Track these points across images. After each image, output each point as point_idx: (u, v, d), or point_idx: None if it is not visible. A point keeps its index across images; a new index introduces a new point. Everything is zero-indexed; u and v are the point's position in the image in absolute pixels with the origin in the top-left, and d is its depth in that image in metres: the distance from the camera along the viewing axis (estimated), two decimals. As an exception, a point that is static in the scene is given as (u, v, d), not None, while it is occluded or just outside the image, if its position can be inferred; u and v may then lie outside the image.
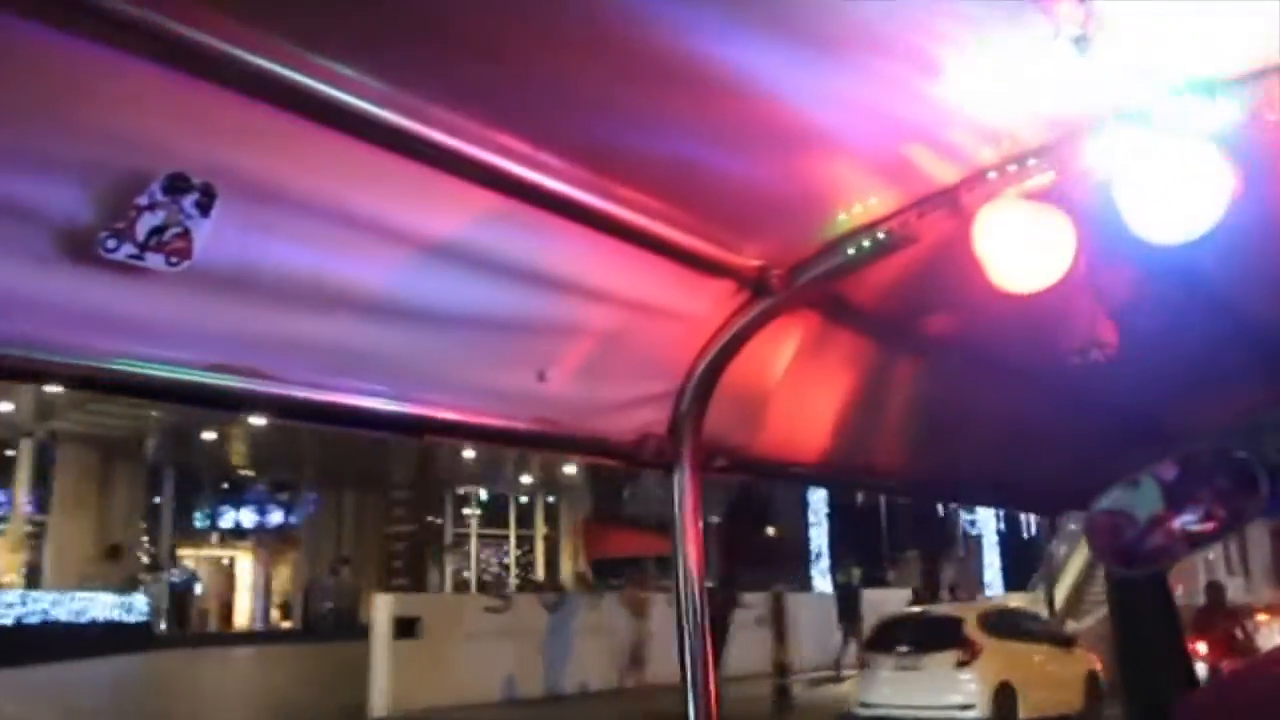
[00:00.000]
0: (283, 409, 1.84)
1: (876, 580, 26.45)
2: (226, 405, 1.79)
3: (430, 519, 28.56)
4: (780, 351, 2.58)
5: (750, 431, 2.69)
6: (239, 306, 1.65)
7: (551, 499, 30.36)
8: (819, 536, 31.62)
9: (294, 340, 1.75)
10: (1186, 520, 5.90)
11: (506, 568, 29.62)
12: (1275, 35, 1.74)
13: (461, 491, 29.76)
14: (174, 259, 1.48)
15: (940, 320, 2.70)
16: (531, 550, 31.04)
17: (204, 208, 1.49)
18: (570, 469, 25.70)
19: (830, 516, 31.80)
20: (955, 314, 2.66)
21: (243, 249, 1.58)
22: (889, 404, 2.96)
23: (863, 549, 28.37)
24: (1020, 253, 2.04)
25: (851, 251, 2.20)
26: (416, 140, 1.56)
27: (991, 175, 2.04)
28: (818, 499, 31.30)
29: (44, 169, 1.39)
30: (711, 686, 2.44)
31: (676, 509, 2.51)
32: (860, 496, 27.27)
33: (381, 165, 1.60)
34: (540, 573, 29.70)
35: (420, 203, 1.73)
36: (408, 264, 1.80)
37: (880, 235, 2.17)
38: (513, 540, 27.70)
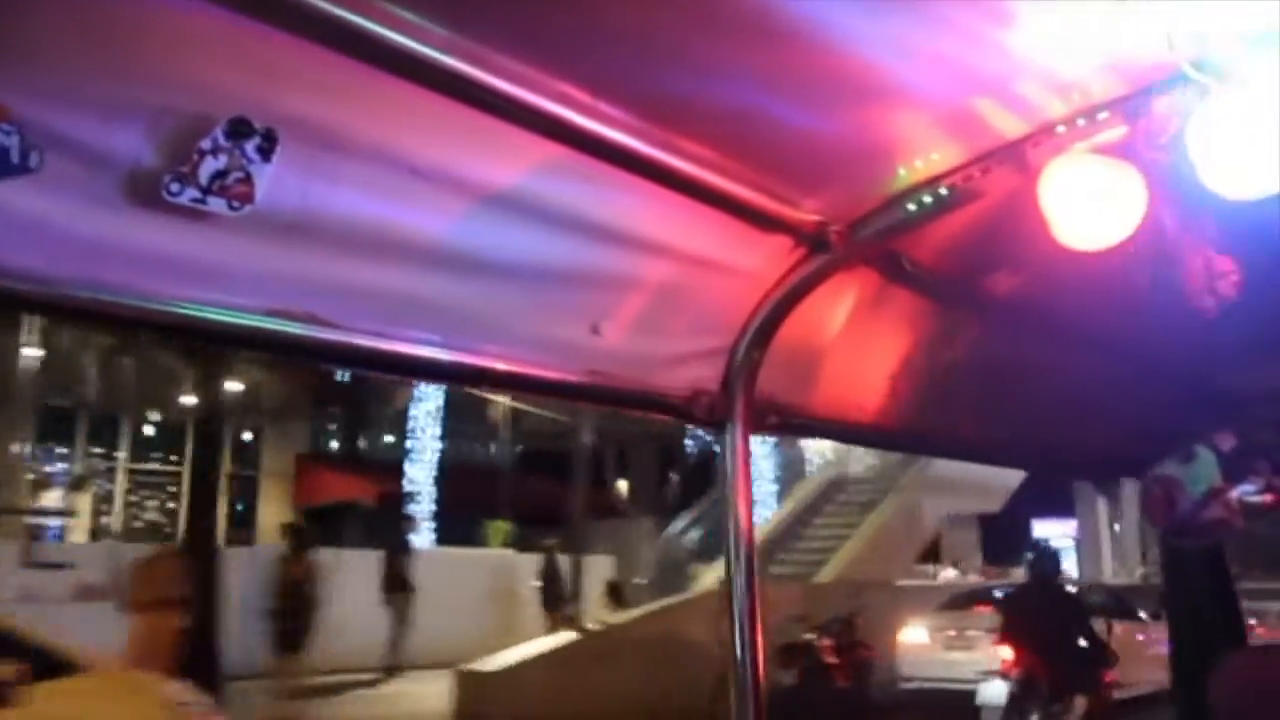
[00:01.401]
0: (340, 356, 1.85)
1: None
2: (283, 351, 1.81)
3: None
4: (837, 309, 2.55)
5: (804, 390, 2.67)
6: (299, 253, 1.66)
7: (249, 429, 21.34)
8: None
9: (352, 288, 1.76)
10: (1245, 491, 5.81)
11: (171, 513, 20.31)
12: None
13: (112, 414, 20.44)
14: (236, 203, 1.50)
15: (1002, 279, 2.65)
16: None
17: (266, 153, 1.49)
18: (271, 387, 17.28)
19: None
20: (1017, 273, 2.61)
21: (304, 195, 1.59)
22: (946, 365, 2.92)
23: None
24: (1088, 209, 1.99)
25: (912, 207, 2.16)
26: (477, 87, 1.55)
27: (1060, 129, 1.99)
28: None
29: (107, 113, 1.40)
30: (760, 648, 2.44)
31: (729, 467, 2.51)
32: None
33: (442, 113, 1.59)
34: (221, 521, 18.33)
35: (480, 151, 1.72)
36: (466, 213, 1.80)
37: (942, 191, 2.13)
38: (187, 479, 16.51)
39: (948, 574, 21.33)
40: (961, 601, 13.64)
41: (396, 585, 14.13)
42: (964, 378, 2.98)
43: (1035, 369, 3.09)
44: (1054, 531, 29.39)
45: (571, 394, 2.33)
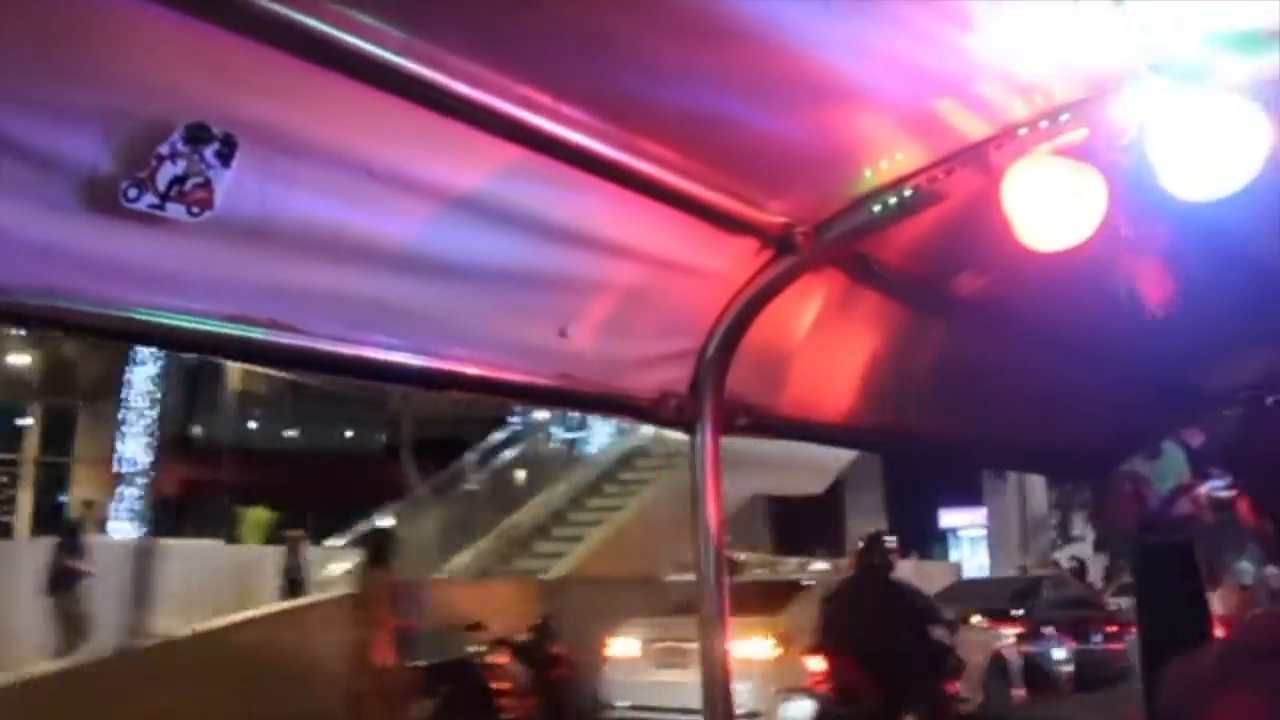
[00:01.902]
0: (302, 361, 1.84)
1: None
2: (245, 357, 1.79)
3: None
4: (804, 310, 2.56)
5: (773, 390, 2.67)
6: (260, 258, 1.64)
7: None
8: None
9: (314, 292, 1.74)
10: (1214, 487, 5.86)
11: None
12: None
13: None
14: (195, 209, 1.48)
15: (968, 280, 2.67)
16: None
17: (225, 158, 1.48)
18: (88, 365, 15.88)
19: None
20: (984, 273, 2.62)
21: (263, 200, 1.57)
22: (913, 364, 2.93)
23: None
24: (1050, 210, 2.01)
25: (877, 209, 2.17)
26: (438, 91, 1.54)
27: (1022, 131, 2.00)
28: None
29: (65, 117, 1.38)
30: (726, 648, 2.44)
31: (697, 468, 2.51)
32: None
33: (403, 117, 1.58)
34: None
35: (442, 155, 1.72)
36: (429, 217, 1.79)
37: (907, 193, 2.14)
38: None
39: (818, 566, 17.22)
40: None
41: (61, 583, 11.52)
42: (932, 377, 3.00)
43: (1003, 368, 3.11)
44: (963, 521, 28.25)
45: (540, 397, 2.32)
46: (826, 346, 2.68)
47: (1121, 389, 3.50)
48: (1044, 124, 1.98)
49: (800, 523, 23.34)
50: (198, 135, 1.45)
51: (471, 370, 2.07)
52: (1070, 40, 1.79)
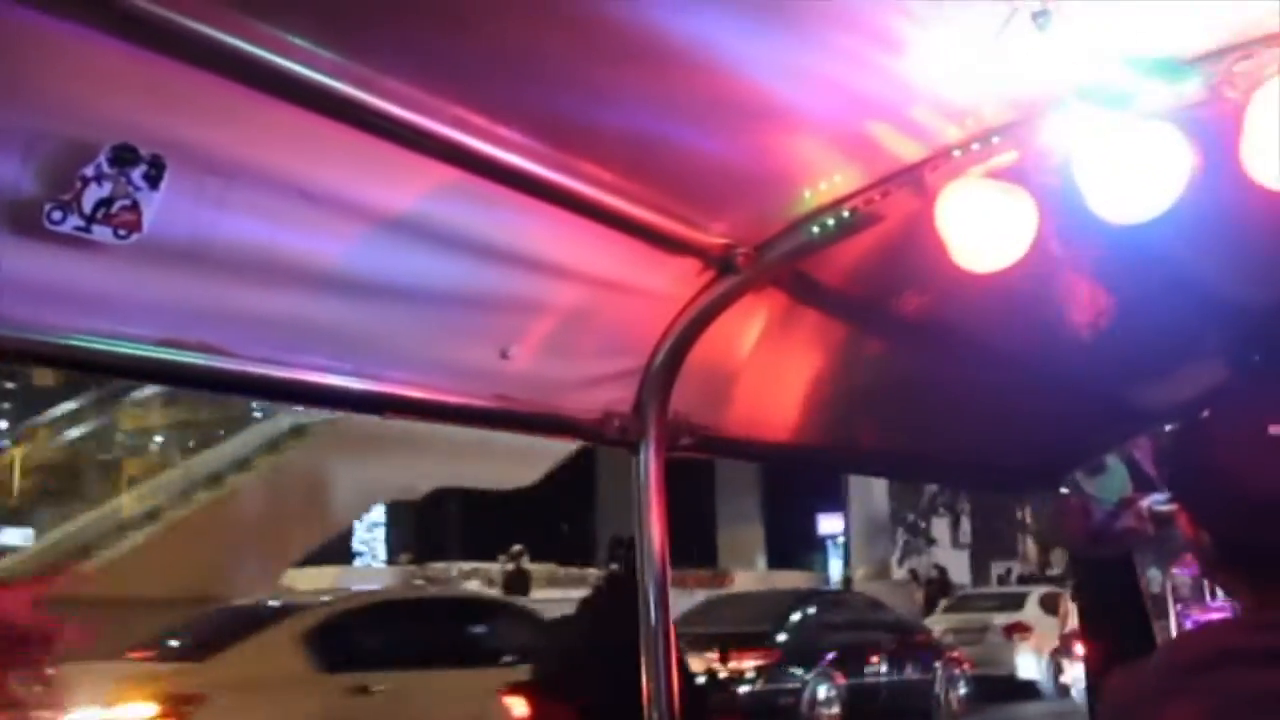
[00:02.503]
0: (236, 385, 1.82)
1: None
2: (179, 381, 1.77)
3: None
4: (746, 330, 2.57)
5: (716, 410, 2.69)
6: (191, 281, 1.62)
7: None
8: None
9: (247, 315, 1.73)
10: (1155, 501, 5.96)
11: None
12: (1235, 14, 1.74)
13: None
14: (123, 231, 1.46)
15: (906, 299, 2.70)
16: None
17: (153, 180, 1.46)
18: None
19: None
20: (921, 293, 2.66)
21: (194, 223, 1.56)
22: (855, 383, 2.96)
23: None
24: (982, 232, 2.04)
25: (816, 230, 2.20)
26: (370, 113, 1.54)
27: (956, 154, 2.04)
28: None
29: None
30: (674, 681, 2.44)
31: (640, 489, 2.51)
32: None
33: (335, 138, 1.58)
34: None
35: (376, 176, 1.71)
36: (364, 239, 1.78)
37: (845, 214, 2.16)
38: None
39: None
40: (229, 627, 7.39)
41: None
42: (875, 395, 3.03)
43: (945, 385, 3.15)
44: (838, 527, 26.46)
45: (481, 419, 2.32)
46: (769, 366, 2.70)
47: (1063, 406, 3.55)
48: (976, 146, 2.01)
49: (528, 523, 18.47)
50: (124, 157, 1.43)
51: (410, 393, 2.06)
52: (999, 65, 1.82)
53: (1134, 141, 1.82)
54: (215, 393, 1.96)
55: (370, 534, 26.84)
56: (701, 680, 6.04)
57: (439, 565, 17.86)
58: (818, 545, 28.56)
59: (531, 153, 1.76)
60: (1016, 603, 17.18)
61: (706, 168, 2.00)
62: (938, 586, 20.79)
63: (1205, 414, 1.34)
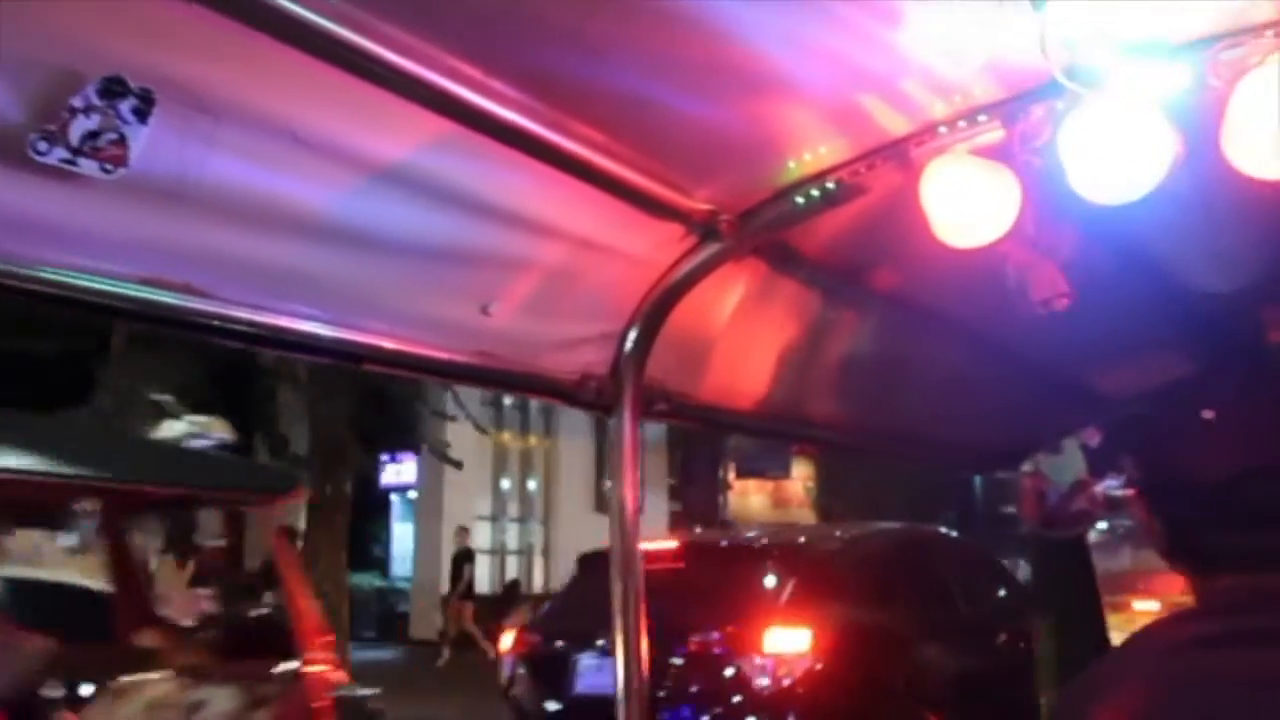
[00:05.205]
0: (215, 329, 1.80)
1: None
2: (158, 320, 1.75)
3: None
4: (726, 298, 2.59)
5: (692, 377, 2.70)
6: (176, 220, 1.60)
7: None
8: None
9: (231, 258, 1.71)
10: (1109, 485, 6.09)
11: None
12: (1225, 3, 1.77)
13: None
14: (109, 166, 1.44)
15: (886, 274, 2.73)
16: None
17: (142, 114, 1.44)
18: None
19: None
20: (901, 268, 2.68)
21: (182, 160, 1.54)
22: (831, 355, 2.99)
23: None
24: (965, 208, 2.06)
25: (800, 200, 2.21)
26: (366, 58, 1.52)
27: (942, 130, 2.05)
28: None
29: None
30: (643, 645, 2.46)
31: (614, 452, 2.52)
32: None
33: (330, 83, 1.56)
34: None
35: (367, 123, 1.69)
36: (352, 186, 1.77)
37: (829, 185, 2.18)
38: None
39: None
40: None
41: None
42: (847, 370, 3.06)
43: (915, 363, 3.18)
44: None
45: (460, 374, 2.32)
46: (745, 335, 2.71)
47: (1029, 386, 3.61)
48: (962, 124, 2.03)
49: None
50: (113, 89, 1.41)
51: (389, 344, 2.05)
52: (991, 42, 1.84)
53: (1119, 124, 1.84)
54: (195, 335, 1.90)
55: None
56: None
57: None
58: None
59: (524, 108, 1.75)
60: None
61: (696, 133, 2.00)
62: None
63: (1158, 400, 1.37)
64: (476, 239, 2.03)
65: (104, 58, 1.39)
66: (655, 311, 2.42)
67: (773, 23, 1.73)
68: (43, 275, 1.54)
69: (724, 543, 8.17)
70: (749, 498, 28.28)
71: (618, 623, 2.46)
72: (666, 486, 22.57)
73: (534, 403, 19.12)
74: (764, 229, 2.30)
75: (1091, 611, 5.93)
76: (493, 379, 2.42)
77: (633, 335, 2.45)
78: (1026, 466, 5.57)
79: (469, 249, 2.05)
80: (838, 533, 8.72)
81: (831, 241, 2.50)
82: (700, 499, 23.90)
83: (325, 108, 1.63)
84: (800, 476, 27.67)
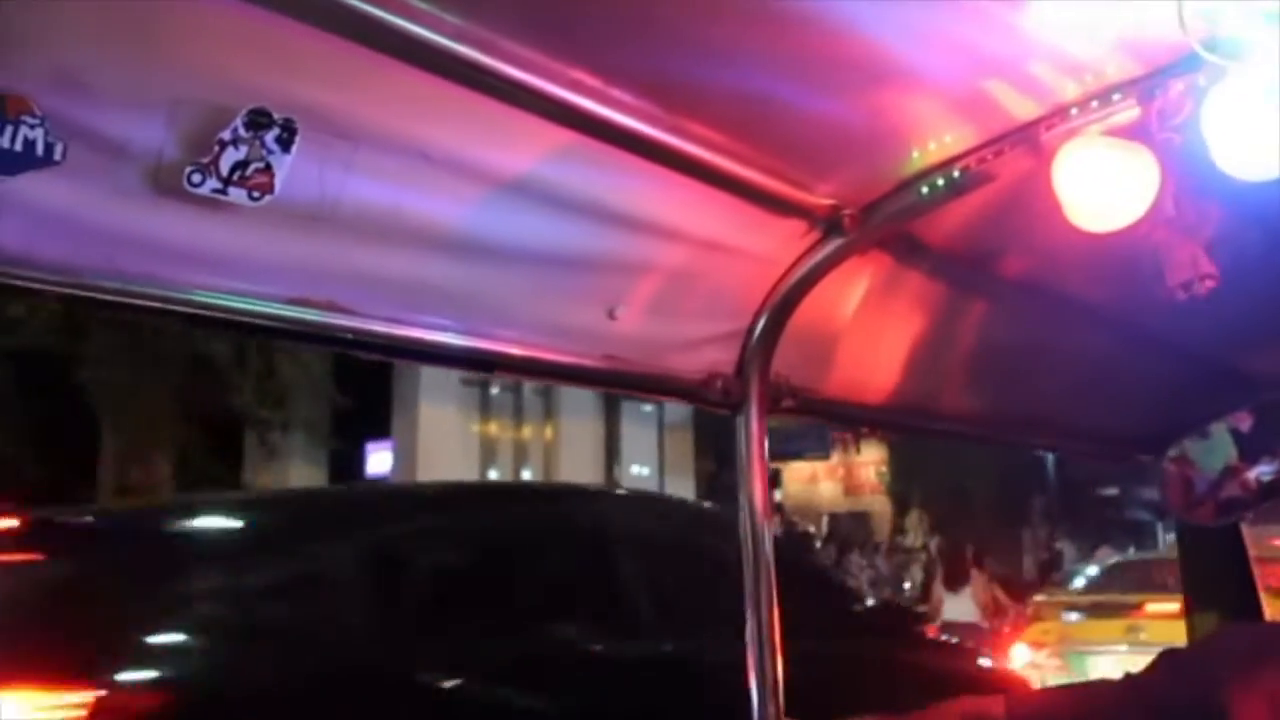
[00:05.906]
0: (358, 343, 1.88)
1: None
2: (305, 338, 1.83)
3: None
4: (851, 292, 2.56)
5: (819, 373, 2.68)
6: (317, 241, 1.68)
7: None
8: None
9: (369, 275, 1.78)
10: (1261, 471, 5.79)
11: None
12: None
13: None
14: (256, 193, 1.52)
15: (1016, 262, 2.65)
16: None
17: (285, 143, 1.51)
18: None
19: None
20: (1031, 255, 2.61)
21: (321, 184, 1.61)
22: (961, 347, 2.93)
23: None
24: (1101, 191, 1.99)
25: (925, 191, 2.17)
26: (488, 74, 1.57)
27: (1073, 111, 1.99)
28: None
29: (129, 104, 1.42)
30: (776, 637, 2.46)
31: (743, 450, 2.52)
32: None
33: (454, 100, 1.61)
34: None
35: (492, 139, 1.74)
36: (479, 200, 1.82)
37: (955, 174, 2.13)
38: None
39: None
40: None
41: None
42: (978, 360, 2.99)
43: (1050, 351, 3.09)
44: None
45: (588, 379, 2.36)
46: (871, 329, 2.68)
47: (1171, 371, 3.46)
48: (1095, 104, 1.96)
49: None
50: (258, 121, 1.49)
51: (520, 352, 2.10)
52: (1122, 18, 1.78)
53: (1264, 96, 1.75)
54: (340, 350, 2.02)
55: None
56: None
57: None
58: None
59: (642, 113, 1.77)
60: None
61: (816, 127, 1.99)
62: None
63: None
64: (601, 245, 2.06)
65: (249, 92, 1.47)
66: (780, 308, 2.42)
67: (891, 12, 1.71)
68: (198, 299, 1.63)
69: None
70: (819, 484, 26.64)
71: (752, 625, 2.47)
72: (693, 471, 20.22)
73: (528, 385, 17.05)
74: (888, 221, 2.27)
75: (1249, 604, 5.64)
76: (620, 381, 2.45)
77: (758, 333, 2.45)
78: (1171, 452, 5.34)
79: (594, 255, 2.08)
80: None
81: (958, 231, 2.45)
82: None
83: (452, 126, 1.68)
84: (872, 460, 25.76)
